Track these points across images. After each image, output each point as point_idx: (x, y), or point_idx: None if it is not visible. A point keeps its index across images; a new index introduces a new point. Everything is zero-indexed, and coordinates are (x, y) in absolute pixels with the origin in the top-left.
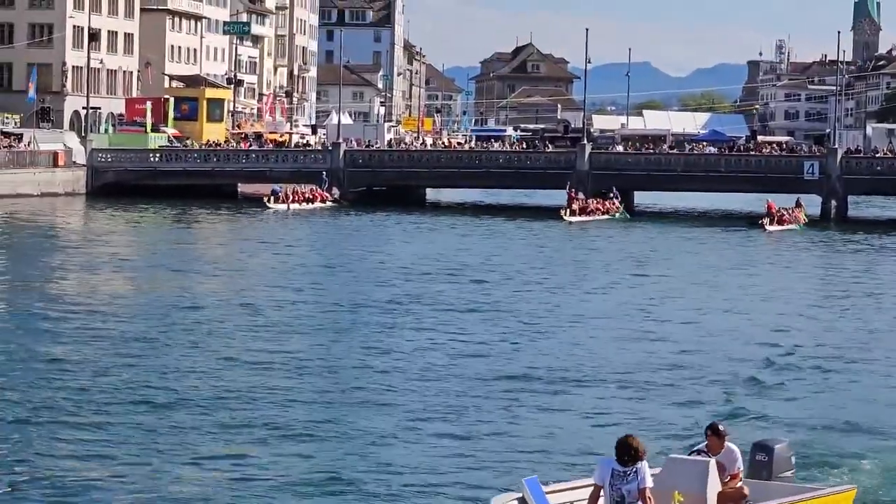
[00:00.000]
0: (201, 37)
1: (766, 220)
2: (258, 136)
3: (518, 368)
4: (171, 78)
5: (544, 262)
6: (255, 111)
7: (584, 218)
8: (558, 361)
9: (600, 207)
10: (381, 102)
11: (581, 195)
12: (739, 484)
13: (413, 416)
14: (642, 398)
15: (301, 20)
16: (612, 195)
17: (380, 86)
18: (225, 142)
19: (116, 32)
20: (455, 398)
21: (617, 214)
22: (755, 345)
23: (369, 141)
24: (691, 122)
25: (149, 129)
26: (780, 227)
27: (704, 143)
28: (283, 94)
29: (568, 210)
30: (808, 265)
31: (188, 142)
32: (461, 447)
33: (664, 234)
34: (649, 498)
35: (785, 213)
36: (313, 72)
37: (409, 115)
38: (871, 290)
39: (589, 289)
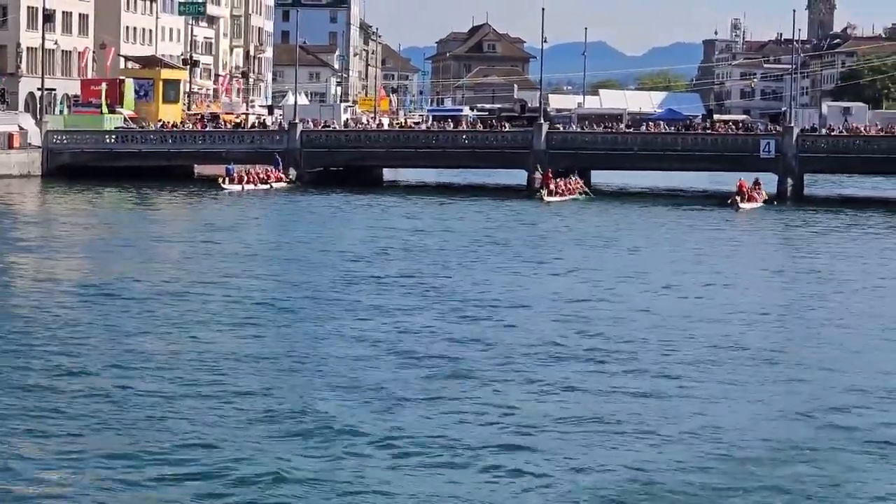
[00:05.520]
0: (157, 17)
1: (738, 198)
2: (214, 116)
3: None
4: (127, 59)
5: (551, 245)
6: (211, 92)
7: (559, 198)
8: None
9: (569, 187)
10: (337, 83)
11: (539, 175)
12: None
13: (372, 397)
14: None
15: (257, 0)
16: (573, 175)
17: (336, 66)
18: (181, 123)
19: (71, 13)
20: (428, 378)
21: (581, 196)
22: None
23: (325, 121)
24: (647, 101)
25: (104, 110)
26: (750, 205)
27: (661, 122)
28: (240, 75)
29: (546, 190)
30: (794, 241)
31: (144, 123)
32: (430, 426)
33: (642, 215)
34: None
35: (752, 190)
36: (269, 52)
37: (366, 96)
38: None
39: (621, 271)
